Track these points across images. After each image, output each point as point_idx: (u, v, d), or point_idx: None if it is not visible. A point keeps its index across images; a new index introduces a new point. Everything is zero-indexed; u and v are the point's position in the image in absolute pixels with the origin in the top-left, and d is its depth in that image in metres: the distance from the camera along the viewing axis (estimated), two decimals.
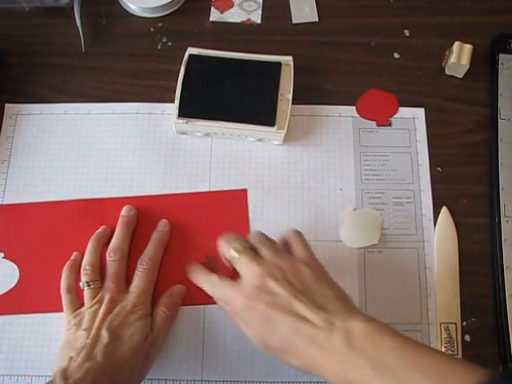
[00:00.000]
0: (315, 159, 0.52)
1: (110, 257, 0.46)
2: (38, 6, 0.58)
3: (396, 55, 0.57)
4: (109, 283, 0.45)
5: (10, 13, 0.58)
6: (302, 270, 0.40)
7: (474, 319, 0.48)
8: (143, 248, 0.48)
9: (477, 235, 0.50)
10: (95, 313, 0.43)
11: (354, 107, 0.54)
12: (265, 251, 0.42)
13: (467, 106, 0.54)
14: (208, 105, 0.51)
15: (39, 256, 0.49)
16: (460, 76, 0.55)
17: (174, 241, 0.49)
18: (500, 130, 0.52)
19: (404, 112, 0.54)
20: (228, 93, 0.51)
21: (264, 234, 0.44)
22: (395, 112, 0.54)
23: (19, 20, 0.59)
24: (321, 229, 0.50)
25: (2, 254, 0.49)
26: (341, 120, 0.54)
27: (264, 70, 0.52)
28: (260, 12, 0.59)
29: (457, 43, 0.53)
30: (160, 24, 0.58)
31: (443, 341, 0.47)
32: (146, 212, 0.50)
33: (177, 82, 0.51)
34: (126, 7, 0.59)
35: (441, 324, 0.47)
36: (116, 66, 0.56)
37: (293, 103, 0.51)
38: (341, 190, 0.51)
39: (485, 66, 0.56)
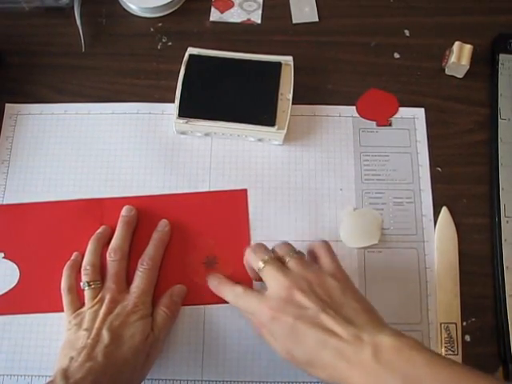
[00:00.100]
0: (315, 159, 0.52)
1: (111, 257, 0.46)
2: (38, 5, 0.58)
3: (396, 55, 0.57)
4: (109, 283, 0.45)
5: (9, 13, 0.58)
6: (328, 282, 0.40)
7: (474, 319, 0.48)
8: (143, 248, 0.48)
9: (477, 235, 0.50)
10: (96, 313, 0.43)
11: (354, 107, 0.54)
12: (292, 263, 0.41)
13: (467, 106, 0.54)
14: (208, 105, 0.51)
15: (39, 256, 0.49)
16: (460, 76, 0.55)
17: (175, 241, 0.49)
18: (500, 130, 0.52)
19: (404, 112, 0.54)
20: (228, 93, 0.51)
21: (291, 245, 0.44)
22: (395, 112, 0.54)
23: (19, 20, 0.59)
24: (321, 229, 0.50)
25: (2, 254, 0.49)
26: (341, 120, 0.54)
27: (264, 70, 0.52)
28: (260, 12, 0.59)
29: (457, 43, 0.53)
30: (160, 24, 0.58)
31: (443, 341, 0.47)
32: (146, 212, 0.50)
33: (177, 82, 0.51)
34: (126, 7, 0.59)
35: (441, 324, 0.47)
36: (116, 66, 0.56)
37: (293, 103, 0.51)
38: (341, 189, 0.51)
39: (485, 66, 0.56)
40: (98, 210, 0.50)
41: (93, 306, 0.44)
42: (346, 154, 0.53)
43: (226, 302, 0.44)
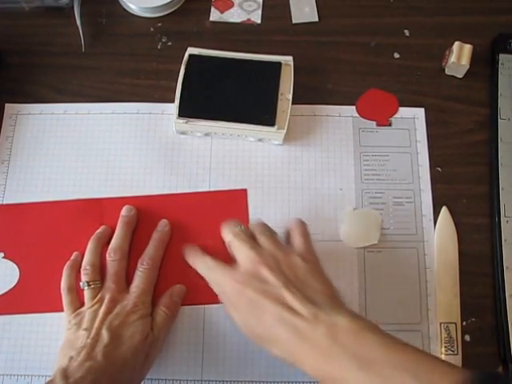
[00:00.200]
0: (315, 159, 0.52)
1: (110, 257, 0.46)
2: (37, 5, 0.58)
3: (396, 55, 0.57)
4: (109, 283, 0.45)
5: (9, 13, 0.58)
6: (296, 262, 0.40)
7: (473, 319, 0.48)
8: (143, 248, 0.48)
9: (477, 235, 0.50)
10: (95, 312, 0.43)
11: (353, 107, 0.54)
12: (263, 240, 0.42)
13: (467, 106, 0.54)
14: (208, 105, 0.51)
15: (39, 256, 0.49)
16: (460, 76, 0.55)
17: (174, 241, 0.49)
18: (500, 130, 0.52)
19: (404, 112, 0.54)
20: (228, 93, 0.51)
21: (265, 224, 0.44)
22: (395, 112, 0.54)
23: (19, 20, 0.59)
24: (321, 229, 0.50)
25: (2, 254, 0.49)
26: (341, 120, 0.54)
27: (264, 70, 0.52)
28: (260, 12, 0.59)
29: (457, 43, 0.53)
30: (160, 24, 0.58)
31: (443, 341, 0.47)
32: (146, 212, 0.50)
33: (177, 82, 0.51)
34: (126, 7, 0.59)
35: (441, 324, 0.47)
36: (116, 66, 0.56)
37: (293, 103, 0.51)
38: (341, 189, 0.51)
39: (485, 66, 0.56)
40: (97, 210, 0.50)
41: (92, 306, 0.44)
42: (346, 154, 0.53)
43: None
